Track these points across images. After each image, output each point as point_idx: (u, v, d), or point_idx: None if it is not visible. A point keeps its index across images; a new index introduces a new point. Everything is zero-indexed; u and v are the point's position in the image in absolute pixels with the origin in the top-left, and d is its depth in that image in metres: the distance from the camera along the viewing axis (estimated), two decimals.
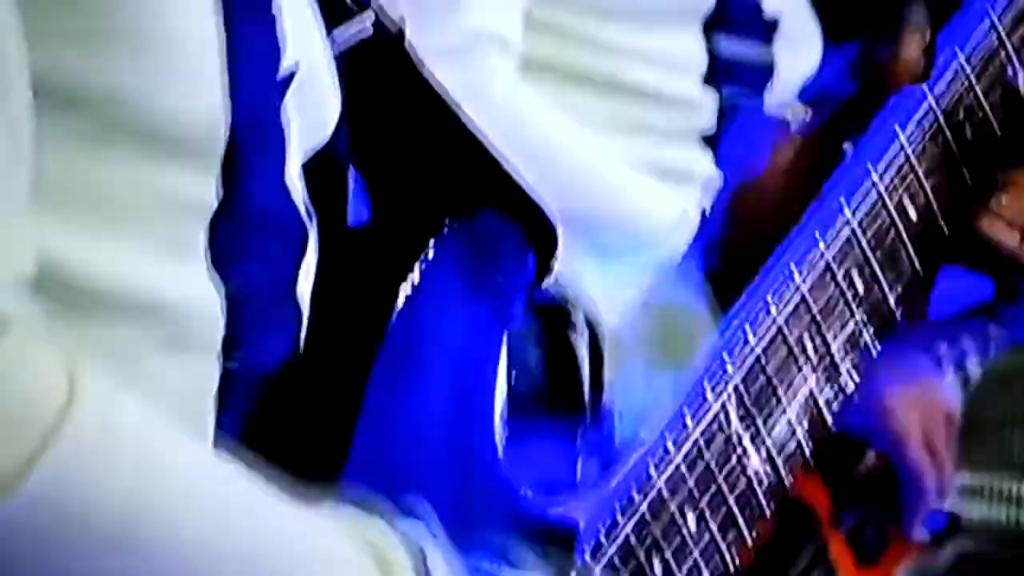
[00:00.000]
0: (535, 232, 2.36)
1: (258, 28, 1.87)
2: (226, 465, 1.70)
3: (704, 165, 3.61)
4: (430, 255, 2.24)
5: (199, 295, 1.80)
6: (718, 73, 3.68)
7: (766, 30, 3.65)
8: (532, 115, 3.53)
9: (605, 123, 3.65)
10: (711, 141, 3.70)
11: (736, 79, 3.65)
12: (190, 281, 1.78)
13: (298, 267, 1.91)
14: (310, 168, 1.96)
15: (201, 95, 1.76)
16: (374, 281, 2.22)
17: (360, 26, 2.22)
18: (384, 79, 2.29)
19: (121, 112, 1.68)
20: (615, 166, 3.66)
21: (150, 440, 1.64)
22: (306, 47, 1.96)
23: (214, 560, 1.65)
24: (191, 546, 1.64)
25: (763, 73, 3.67)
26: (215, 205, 1.78)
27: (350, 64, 2.10)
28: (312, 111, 1.96)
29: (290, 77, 1.88)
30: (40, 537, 1.53)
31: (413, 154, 2.28)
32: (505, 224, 2.31)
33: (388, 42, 2.27)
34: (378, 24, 2.24)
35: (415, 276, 2.25)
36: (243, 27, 1.83)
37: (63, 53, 1.62)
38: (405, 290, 2.22)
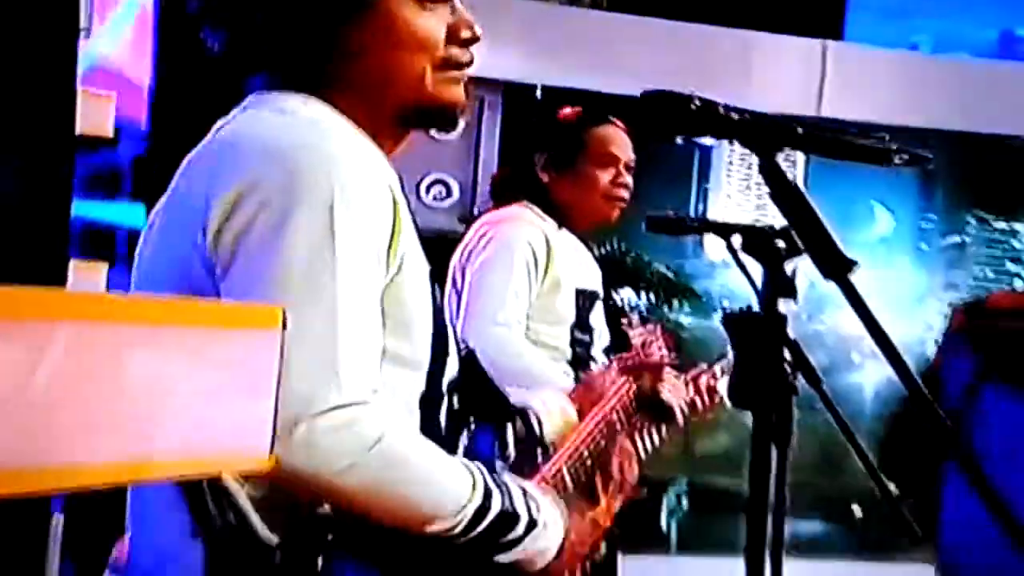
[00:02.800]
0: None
1: (440, 324, 2.25)
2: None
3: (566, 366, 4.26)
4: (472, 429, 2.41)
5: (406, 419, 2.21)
6: (575, 340, 4.30)
7: (591, 329, 4.43)
8: (524, 348, 4.13)
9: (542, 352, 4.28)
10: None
11: (584, 345, 4.30)
12: (413, 413, 2.22)
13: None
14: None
15: (423, 349, 2.19)
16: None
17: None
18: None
19: (390, 354, 2.13)
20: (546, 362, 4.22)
21: (411, 442, 2.12)
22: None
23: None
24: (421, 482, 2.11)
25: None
26: (423, 389, 2.21)
27: None
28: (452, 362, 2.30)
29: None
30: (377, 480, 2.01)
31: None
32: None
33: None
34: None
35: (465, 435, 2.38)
36: (439, 318, 2.25)
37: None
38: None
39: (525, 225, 4.35)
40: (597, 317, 4.44)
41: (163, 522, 2.15)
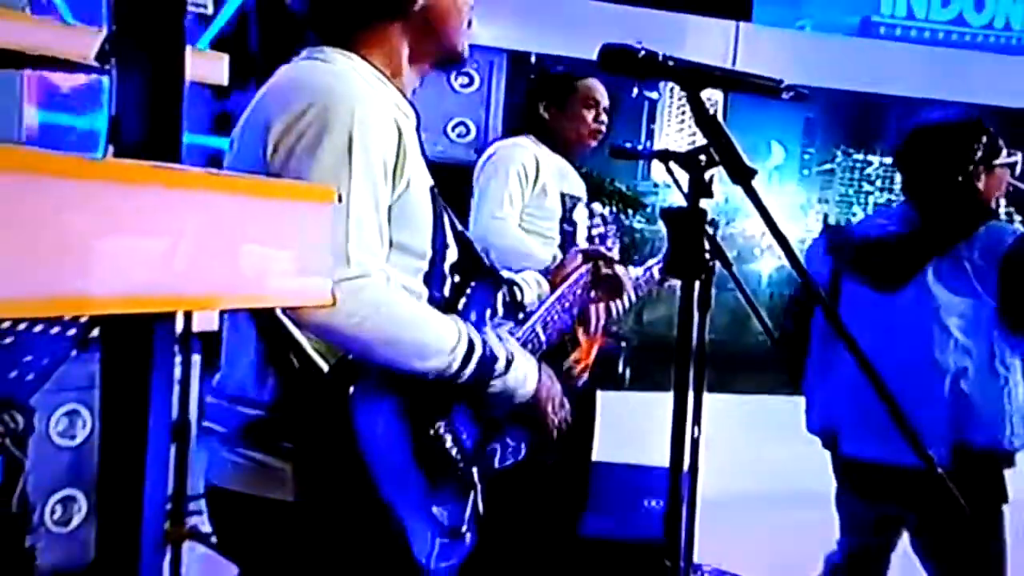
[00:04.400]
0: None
1: (440, 224, 2.22)
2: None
3: (556, 249, 4.16)
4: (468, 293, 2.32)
5: (420, 292, 2.16)
6: (563, 231, 4.28)
7: (574, 223, 4.35)
8: (516, 233, 4.07)
9: (535, 237, 4.21)
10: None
11: (568, 234, 4.29)
12: (419, 288, 2.16)
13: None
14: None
15: (426, 242, 2.17)
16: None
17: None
18: None
19: (401, 245, 2.11)
20: (534, 243, 4.15)
21: (408, 303, 2.05)
22: (452, 241, 2.26)
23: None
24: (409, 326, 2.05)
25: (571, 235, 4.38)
26: (425, 270, 2.17)
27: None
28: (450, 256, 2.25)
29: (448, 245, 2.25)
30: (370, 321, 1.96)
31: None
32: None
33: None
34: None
35: (464, 300, 2.31)
36: (438, 220, 2.21)
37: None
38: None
39: (519, 149, 4.32)
40: (579, 214, 4.40)
41: (244, 361, 2.16)
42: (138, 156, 1.05)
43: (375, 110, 2.10)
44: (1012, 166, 3.69)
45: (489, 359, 2.17)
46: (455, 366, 2.10)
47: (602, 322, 3.49)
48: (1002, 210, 3.76)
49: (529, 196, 4.30)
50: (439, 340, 2.09)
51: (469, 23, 2.32)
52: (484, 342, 2.16)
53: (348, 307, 1.96)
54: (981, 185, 3.60)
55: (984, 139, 3.61)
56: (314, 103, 2.05)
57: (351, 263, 1.97)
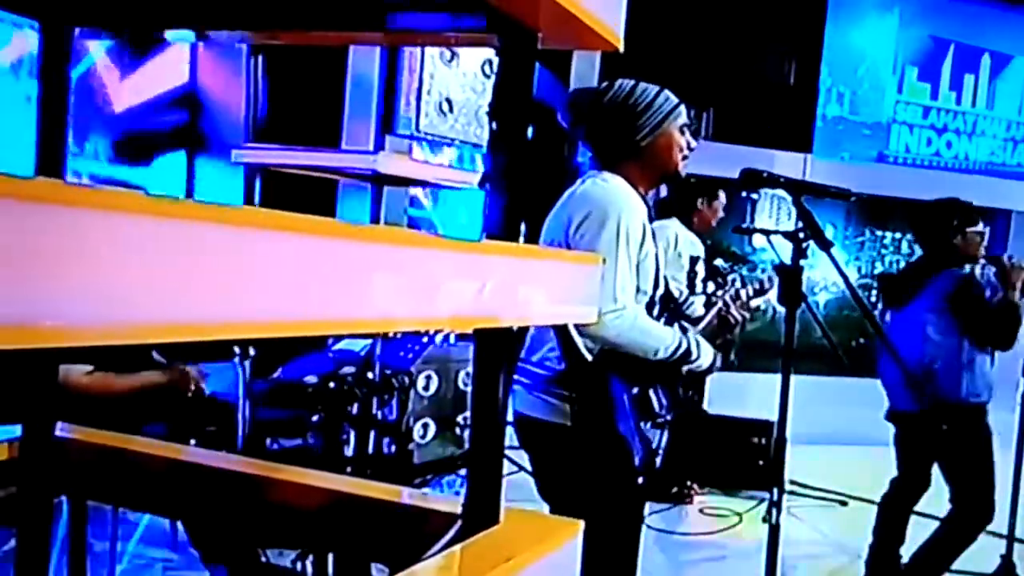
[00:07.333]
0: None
1: (656, 273, 2.11)
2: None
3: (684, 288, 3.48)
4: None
5: (642, 311, 2.05)
6: (689, 278, 3.77)
7: (695, 272, 3.70)
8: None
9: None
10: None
11: (692, 279, 3.66)
12: (642, 311, 2.05)
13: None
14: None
15: (650, 285, 2.07)
16: None
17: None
18: None
19: (639, 288, 2.05)
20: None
21: (647, 323, 2.01)
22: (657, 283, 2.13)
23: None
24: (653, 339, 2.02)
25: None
26: (647, 301, 2.07)
27: None
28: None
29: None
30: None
31: None
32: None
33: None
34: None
35: (664, 316, 2.18)
36: (656, 271, 2.12)
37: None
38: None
39: (669, 227, 4.25)
40: (699, 266, 4.26)
41: (546, 345, 2.13)
42: (495, 238, 1.07)
43: (632, 211, 2.07)
44: (980, 234, 3.40)
45: (688, 352, 2.10)
46: (666, 356, 2.06)
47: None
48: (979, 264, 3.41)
49: (672, 255, 4.24)
50: (664, 342, 2.07)
51: (685, 157, 2.22)
52: (687, 340, 2.10)
53: (614, 325, 1.97)
54: (958, 243, 3.37)
55: (959, 213, 3.40)
56: (597, 208, 2.06)
57: (617, 301, 1.97)
